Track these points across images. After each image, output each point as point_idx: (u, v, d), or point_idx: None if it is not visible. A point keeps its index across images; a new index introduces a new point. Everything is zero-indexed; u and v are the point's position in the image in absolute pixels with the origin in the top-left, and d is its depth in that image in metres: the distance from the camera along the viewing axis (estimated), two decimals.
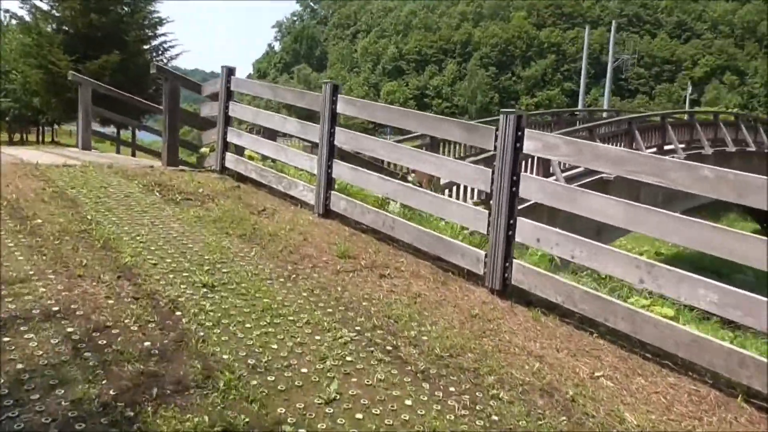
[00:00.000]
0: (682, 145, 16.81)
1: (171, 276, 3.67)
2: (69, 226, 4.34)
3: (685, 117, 20.02)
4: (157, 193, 5.76)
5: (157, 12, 23.39)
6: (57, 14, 21.91)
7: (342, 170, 5.47)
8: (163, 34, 23.65)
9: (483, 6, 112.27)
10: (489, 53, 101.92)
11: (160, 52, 23.80)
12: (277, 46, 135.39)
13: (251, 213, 5.41)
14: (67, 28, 21.65)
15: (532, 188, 3.93)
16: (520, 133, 3.92)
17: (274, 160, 6.79)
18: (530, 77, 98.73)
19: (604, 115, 27.33)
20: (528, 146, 3.91)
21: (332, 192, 5.54)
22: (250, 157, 7.17)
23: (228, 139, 6.99)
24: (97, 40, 20.67)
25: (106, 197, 5.37)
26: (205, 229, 4.76)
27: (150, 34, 23.10)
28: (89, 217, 4.64)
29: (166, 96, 7.28)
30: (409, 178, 5.95)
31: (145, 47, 23.15)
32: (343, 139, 5.44)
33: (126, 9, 22.80)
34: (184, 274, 3.74)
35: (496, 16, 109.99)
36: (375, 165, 7.78)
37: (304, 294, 3.72)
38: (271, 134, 7.49)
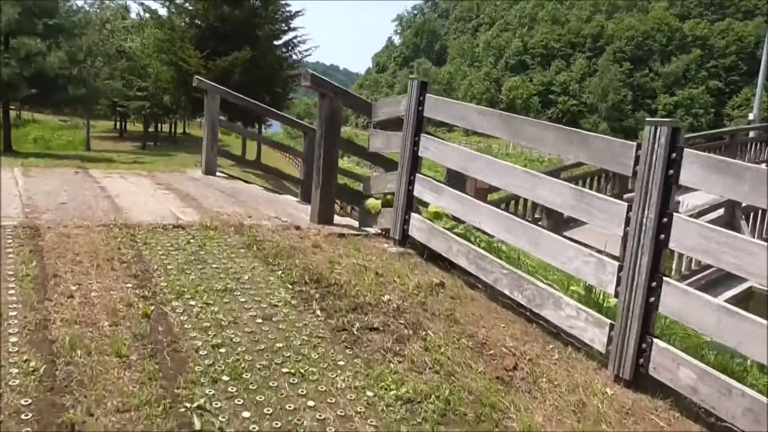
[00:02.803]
0: None
1: None
2: None
3: None
4: (316, 306, 3.29)
5: (288, 5, 21.77)
6: (190, 8, 20.86)
7: (688, 306, 2.65)
8: (294, 29, 22.02)
9: None
10: (623, 47, 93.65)
11: (290, 48, 22.19)
12: (396, 40, 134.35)
13: (496, 378, 2.77)
14: (199, 22, 20.53)
15: None
16: None
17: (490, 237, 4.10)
18: (670, 74, 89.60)
19: None
20: None
21: (654, 340, 2.76)
22: (437, 215, 4.57)
23: (416, 193, 4.43)
24: (228, 35, 19.30)
25: (233, 322, 2.97)
26: None
27: (284, 28, 21.49)
28: (191, 401, 2.19)
29: (322, 121, 4.80)
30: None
31: (276, 43, 21.60)
32: (698, 243, 2.63)
33: (258, 2, 21.35)
34: None
35: (632, 7, 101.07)
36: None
37: None
38: (460, 184, 4.80)
